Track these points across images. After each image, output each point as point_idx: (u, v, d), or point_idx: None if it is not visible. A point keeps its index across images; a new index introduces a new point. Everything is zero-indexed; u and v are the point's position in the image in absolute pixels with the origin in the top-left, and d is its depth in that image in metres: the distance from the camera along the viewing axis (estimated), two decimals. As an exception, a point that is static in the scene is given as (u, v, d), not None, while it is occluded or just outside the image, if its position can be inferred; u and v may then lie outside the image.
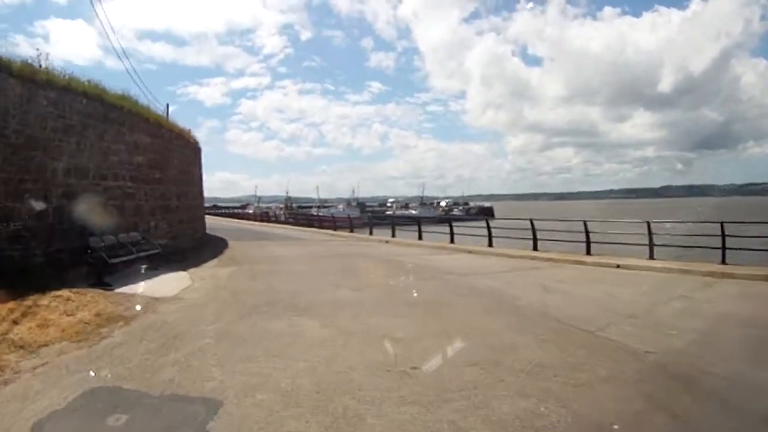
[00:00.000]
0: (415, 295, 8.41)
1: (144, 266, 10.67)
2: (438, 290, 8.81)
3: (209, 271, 11.60)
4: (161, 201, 14.74)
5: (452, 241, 18.30)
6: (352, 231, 26.68)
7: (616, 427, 3.47)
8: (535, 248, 14.85)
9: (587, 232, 13.42)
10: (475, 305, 7.41)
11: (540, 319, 6.62)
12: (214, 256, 14.61)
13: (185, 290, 9.11)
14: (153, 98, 27.22)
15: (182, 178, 17.04)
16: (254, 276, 10.76)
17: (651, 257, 12.10)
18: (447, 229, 18.75)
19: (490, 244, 16.61)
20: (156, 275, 10.35)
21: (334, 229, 28.28)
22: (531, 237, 15.00)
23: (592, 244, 13.48)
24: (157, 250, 11.87)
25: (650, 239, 12.13)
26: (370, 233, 24.31)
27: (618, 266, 11.65)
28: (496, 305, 7.43)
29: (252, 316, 6.86)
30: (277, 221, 39.74)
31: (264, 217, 44.97)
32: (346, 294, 8.51)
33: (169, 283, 9.76)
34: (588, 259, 12.72)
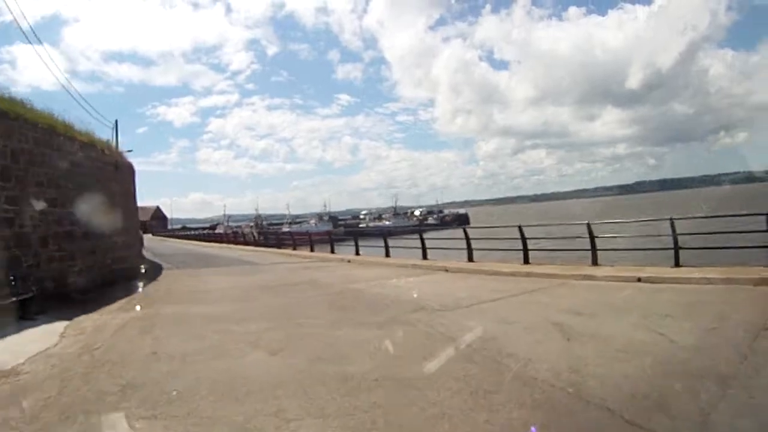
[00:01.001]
0: (366, 363, 5.30)
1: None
2: (403, 347, 5.79)
3: (102, 318, 8.38)
4: (57, 227, 11.33)
5: (425, 256, 15.34)
6: (312, 250, 23.62)
7: None
8: (526, 260, 12.05)
9: (592, 237, 10.66)
10: (461, 389, 4.34)
11: (582, 414, 3.67)
12: (128, 293, 11.38)
13: (37, 356, 5.95)
14: (99, 117, 24.13)
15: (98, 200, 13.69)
16: (151, 327, 7.52)
17: (677, 264, 9.42)
18: (420, 242, 15.76)
19: (471, 258, 13.72)
20: (24, 328, 7.47)
21: (293, 248, 25.19)
22: (519, 248, 12.22)
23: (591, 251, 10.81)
24: (28, 294, 8.65)
25: (675, 240, 9.45)
26: (332, 251, 21.22)
27: (639, 279, 8.91)
28: (494, 384, 4.39)
29: (77, 421, 3.74)
30: (245, 242, 35.76)
31: (233, 237, 41.02)
32: (259, 362, 5.38)
33: (25, 343, 6.72)
34: (597, 271, 9.94)
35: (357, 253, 19.18)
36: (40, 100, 10.36)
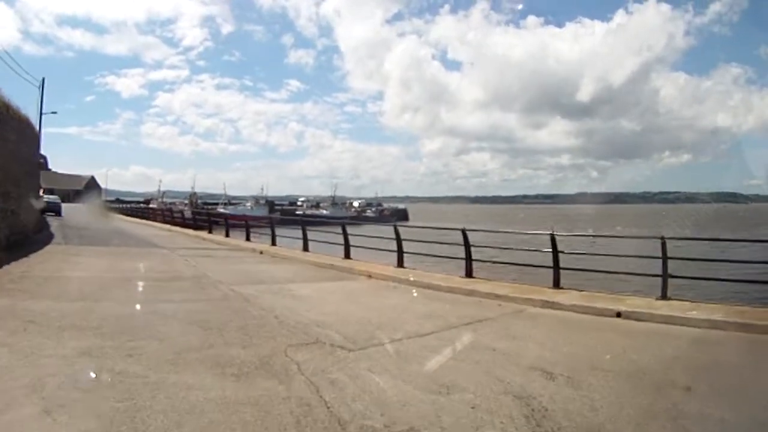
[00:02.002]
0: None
1: None
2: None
3: None
4: None
5: (348, 254, 12.53)
6: (227, 235, 20.19)
7: None
8: (469, 273, 9.52)
9: (556, 251, 8.26)
10: None
11: None
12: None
13: None
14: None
15: None
16: None
17: (664, 296, 7.17)
18: (349, 237, 12.91)
19: (401, 263, 11.05)
20: None
21: (209, 230, 21.44)
22: (461, 255, 9.70)
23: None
24: None
25: (664, 265, 7.18)
26: (247, 238, 17.88)
27: (619, 315, 6.57)
28: None
29: None
30: (172, 220, 29.85)
31: (161, 214, 34.86)
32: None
33: None
34: (561, 297, 7.51)
35: (273, 243, 16.06)
36: None
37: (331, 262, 11.90)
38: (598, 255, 9.00)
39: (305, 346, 4.85)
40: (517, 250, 10.42)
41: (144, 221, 31.26)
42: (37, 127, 26.33)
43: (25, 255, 10.76)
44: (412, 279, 9.47)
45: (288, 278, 9.89)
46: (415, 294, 8.46)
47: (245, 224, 18.82)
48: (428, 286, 8.80)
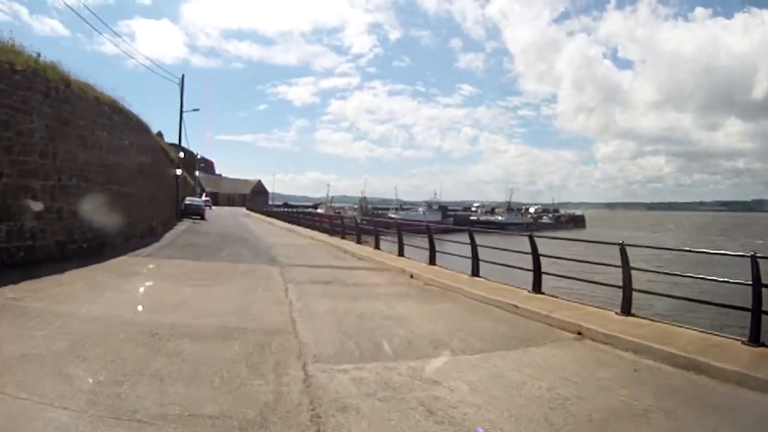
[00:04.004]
0: None
1: None
2: None
3: None
4: None
5: (539, 285, 7.15)
6: (359, 241, 16.67)
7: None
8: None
9: None
10: None
11: None
12: None
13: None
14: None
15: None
16: None
17: None
18: (529, 248, 7.54)
19: (627, 307, 5.12)
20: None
21: (357, 240, 17.41)
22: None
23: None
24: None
25: None
26: (400, 252, 13.25)
27: None
28: None
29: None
30: (319, 226, 25.24)
31: (333, 220, 28.02)
32: None
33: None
34: None
35: (432, 262, 11.23)
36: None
37: (514, 301, 6.89)
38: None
39: None
40: None
41: (293, 226, 28.83)
42: (177, 124, 26.79)
43: (59, 271, 7.82)
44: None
45: (436, 340, 5.21)
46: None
47: (398, 233, 14.03)
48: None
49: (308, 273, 9.98)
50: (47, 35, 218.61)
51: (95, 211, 10.16)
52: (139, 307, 6.24)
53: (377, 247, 15.26)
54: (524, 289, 7.92)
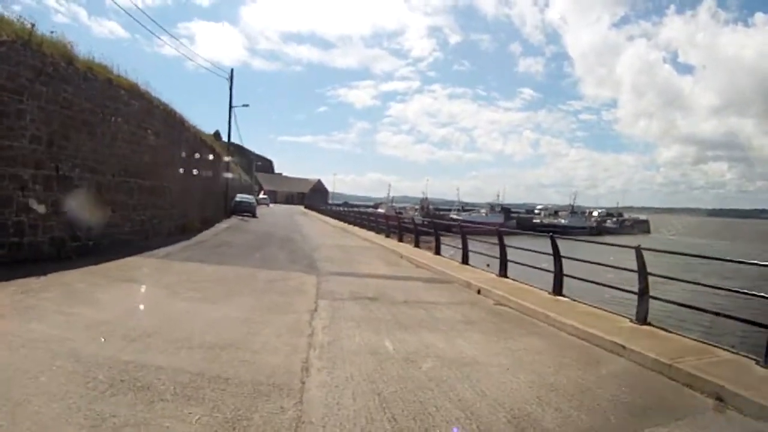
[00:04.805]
0: None
1: None
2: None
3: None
4: None
5: (644, 316, 5.38)
6: (417, 245, 14.95)
7: None
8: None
9: None
10: None
11: None
12: None
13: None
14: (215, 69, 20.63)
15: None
16: None
17: None
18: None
19: None
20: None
21: (416, 243, 15.40)
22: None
23: None
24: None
25: None
26: (464, 260, 11.19)
27: None
28: None
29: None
30: (374, 226, 22.94)
31: (390, 220, 25.41)
32: None
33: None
34: None
35: (503, 273, 9.05)
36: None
37: (617, 337, 5.04)
38: None
39: None
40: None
41: (348, 225, 27.09)
42: (227, 118, 26.30)
43: (39, 273, 6.64)
44: None
45: (520, 415, 3.18)
46: None
47: (462, 237, 11.78)
48: None
49: (350, 284, 8.16)
50: (106, 37, 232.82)
51: (104, 205, 8.98)
52: (101, 330, 4.71)
53: (437, 252, 13.26)
54: (622, 316, 5.78)
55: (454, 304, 7.14)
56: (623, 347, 4.68)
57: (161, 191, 11.94)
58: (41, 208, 7.50)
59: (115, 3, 15.81)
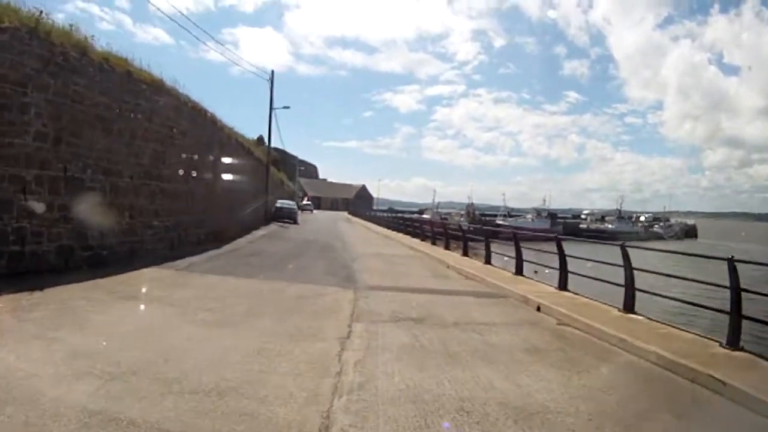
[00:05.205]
0: None
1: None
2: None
3: None
4: None
5: (737, 339, 4.66)
6: (465, 253, 13.70)
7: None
8: None
9: None
10: None
11: None
12: None
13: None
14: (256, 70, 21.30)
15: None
16: None
17: None
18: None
19: None
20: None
21: (464, 252, 13.99)
22: None
23: None
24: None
25: None
26: (518, 271, 9.87)
27: None
28: None
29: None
30: (419, 233, 21.00)
31: (436, 227, 24.84)
32: None
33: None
34: None
35: (563, 286, 7.80)
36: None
37: (714, 370, 3.96)
38: None
39: None
40: None
41: (391, 232, 25.71)
42: (267, 121, 25.62)
43: (34, 288, 5.85)
44: None
45: None
46: None
47: (515, 244, 10.37)
48: None
49: (392, 301, 6.94)
50: (150, 43, 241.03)
51: (120, 210, 8.21)
52: (78, 364, 3.72)
53: (488, 261, 11.91)
54: (712, 339, 4.98)
55: (512, 325, 5.92)
56: (723, 384, 3.73)
57: (189, 196, 11.17)
58: (45, 212, 6.74)
59: (159, 10, 15.47)
